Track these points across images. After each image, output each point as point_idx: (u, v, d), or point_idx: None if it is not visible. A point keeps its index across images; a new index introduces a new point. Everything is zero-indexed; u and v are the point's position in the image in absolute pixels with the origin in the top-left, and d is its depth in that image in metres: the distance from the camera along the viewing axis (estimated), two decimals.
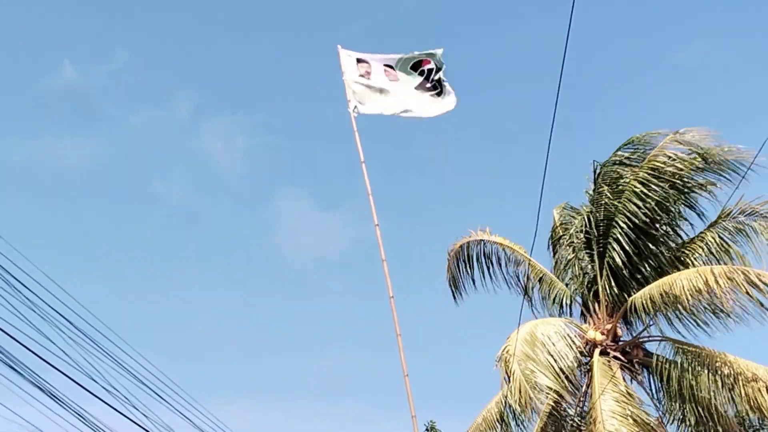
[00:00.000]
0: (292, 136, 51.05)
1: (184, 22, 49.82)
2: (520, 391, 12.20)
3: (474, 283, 15.89)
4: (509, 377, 12.52)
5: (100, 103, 48.52)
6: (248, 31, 49.92)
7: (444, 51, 14.75)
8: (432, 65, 14.59)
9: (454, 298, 15.88)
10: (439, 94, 14.63)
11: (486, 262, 15.61)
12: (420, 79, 14.57)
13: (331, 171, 49.25)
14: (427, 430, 11.61)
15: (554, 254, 15.90)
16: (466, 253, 15.60)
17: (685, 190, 14.09)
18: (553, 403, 13.54)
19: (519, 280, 15.40)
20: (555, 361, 12.85)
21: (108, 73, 48.43)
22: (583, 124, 44.20)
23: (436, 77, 14.51)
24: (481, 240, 15.64)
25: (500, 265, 15.58)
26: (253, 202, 50.26)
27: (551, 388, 12.45)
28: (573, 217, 15.78)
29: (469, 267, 15.69)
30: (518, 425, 14.36)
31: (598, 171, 14.52)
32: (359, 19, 49.84)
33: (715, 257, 14.05)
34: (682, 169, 13.96)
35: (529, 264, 15.07)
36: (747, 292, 12.58)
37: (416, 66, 14.61)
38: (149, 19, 49.37)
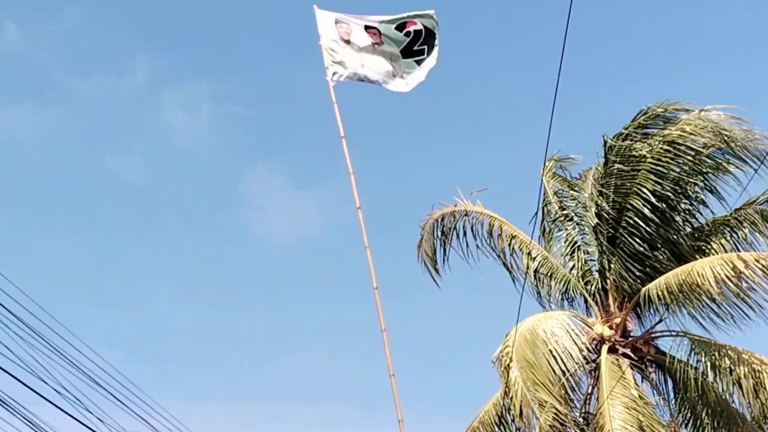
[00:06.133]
0: (264, 105, 46.25)
1: None
2: (520, 403, 11.16)
3: (445, 258, 14.33)
4: (508, 387, 11.41)
5: (47, 68, 44.27)
6: None
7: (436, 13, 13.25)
8: (419, 26, 13.12)
9: (434, 280, 14.34)
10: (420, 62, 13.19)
11: (473, 239, 14.09)
12: (406, 40, 13.10)
13: (308, 145, 43.83)
14: None
15: (545, 231, 14.57)
16: (449, 226, 14.04)
17: (706, 171, 12.97)
18: (554, 416, 12.40)
19: (515, 265, 13.97)
20: (558, 363, 11.87)
21: (55, 34, 43.98)
22: (584, 88, 40.40)
23: (426, 42, 13.09)
24: (466, 211, 14.12)
25: (492, 244, 14.09)
26: (221, 179, 45.92)
27: (554, 407, 11.41)
28: (571, 188, 14.62)
29: (455, 242, 14.15)
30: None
31: (609, 145, 13.18)
32: None
33: (740, 247, 13.15)
34: (704, 148, 12.79)
35: (529, 247, 13.66)
36: None
37: (401, 27, 13.15)
38: None
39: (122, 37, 46.00)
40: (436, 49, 13.27)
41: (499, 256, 13.97)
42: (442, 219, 13.94)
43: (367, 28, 13.01)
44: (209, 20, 45.48)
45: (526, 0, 43.92)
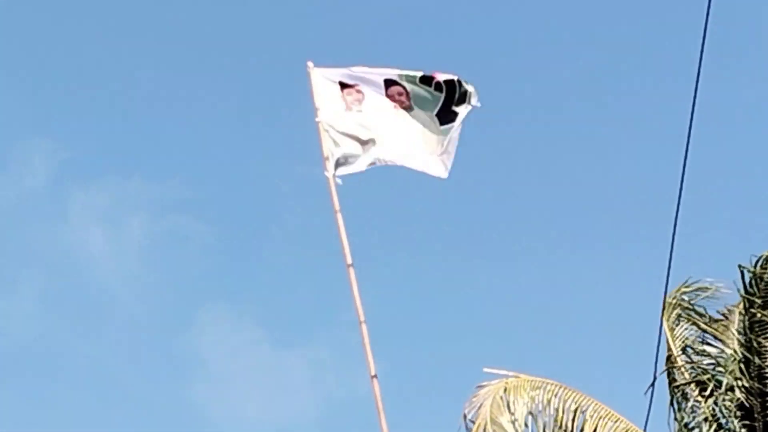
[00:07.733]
0: (227, 216, 29.46)
1: (44, 30, 29.16)
2: None
3: None
4: None
5: None
6: (148, 43, 29.70)
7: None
8: (450, 75, 9.39)
9: None
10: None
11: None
12: (440, 96, 9.35)
13: (295, 278, 27.91)
14: None
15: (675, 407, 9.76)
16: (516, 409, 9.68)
17: None
18: None
19: None
20: None
21: None
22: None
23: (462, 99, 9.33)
24: (537, 383, 9.71)
25: None
26: (159, 332, 28.81)
27: None
28: (706, 338, 10.15)
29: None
30: None
31: (749, 280, 9.02)
32: (340, 19, 29.14)
33: None
34: None
35: None
36: None
37: (428, 81, 9.46)
38: None
39: (11, 118, 29.29)
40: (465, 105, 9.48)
41: None
42: (503, 397, 9.68)
43: (387, 84, 9.35)
44: (141, 90, 29.91)
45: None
